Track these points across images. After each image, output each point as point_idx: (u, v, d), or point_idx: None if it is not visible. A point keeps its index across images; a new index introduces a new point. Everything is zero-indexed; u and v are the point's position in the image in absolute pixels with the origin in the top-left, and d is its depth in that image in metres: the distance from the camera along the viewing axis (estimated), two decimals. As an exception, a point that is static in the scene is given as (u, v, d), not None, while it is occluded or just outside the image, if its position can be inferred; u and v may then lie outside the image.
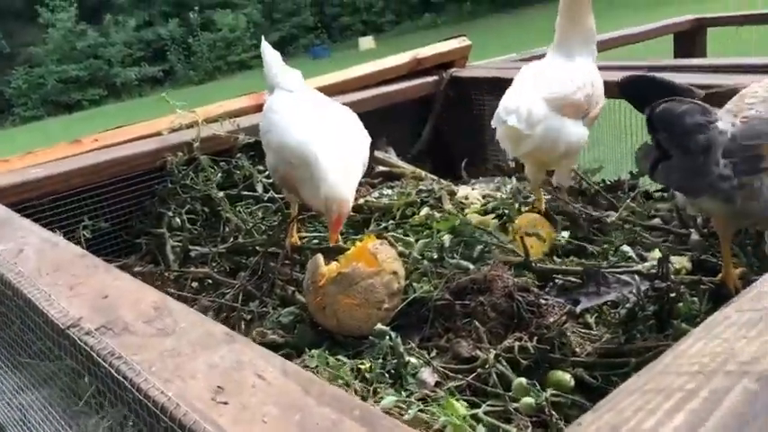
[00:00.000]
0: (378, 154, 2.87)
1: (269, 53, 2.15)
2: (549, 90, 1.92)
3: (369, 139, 1.96)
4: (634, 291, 1.58)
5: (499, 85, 2.48)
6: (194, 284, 2.03)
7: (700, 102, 1.42)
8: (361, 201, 2.30)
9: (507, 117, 1.84)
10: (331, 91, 2.92)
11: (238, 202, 2.36)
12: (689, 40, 4.22)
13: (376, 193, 2.48)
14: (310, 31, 37.86)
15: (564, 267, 1.75)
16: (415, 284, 1.68)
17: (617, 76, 2.54)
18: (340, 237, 1.98)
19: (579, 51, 2.09)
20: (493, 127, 1.96)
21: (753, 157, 1.37)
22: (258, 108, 2.47)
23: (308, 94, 2.10)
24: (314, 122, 1.87)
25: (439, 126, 3.16)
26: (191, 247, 2.17)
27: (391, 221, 2.15)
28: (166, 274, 2.07)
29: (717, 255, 1.80)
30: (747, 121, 1.40)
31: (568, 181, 2.23)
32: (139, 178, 2.37)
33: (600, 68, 2.52)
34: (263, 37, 2.33)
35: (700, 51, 4.25)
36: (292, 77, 2.11)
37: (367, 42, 32.12)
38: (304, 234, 2.20)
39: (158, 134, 2.47)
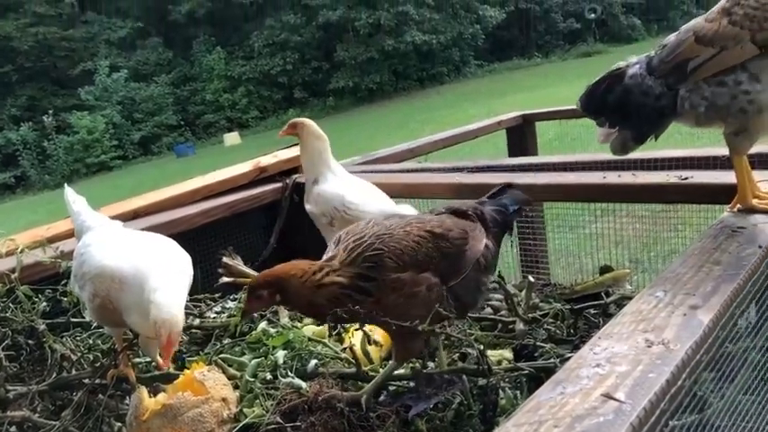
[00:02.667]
0: (225, 260, 2.85)
1: (74, 200, 2.11)
2: None
3: (188, 257, 1.94)
4: (459, 390, 1.64)
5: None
6: (12, 429, 1.87)
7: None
8: (197, 321, 2.25)
9: None
10: (172, 204, 2.90)
11: (66, 332, 2.23)
12: (519, 133, 4.59)
13: (218, 308, 2.43)
14: (174, 130, 37.53)
15: (395, 373, 1.77)
16: (246, 410, 1.64)
17: (445, 177, 2.73)
18: (171, 364, 1.91)
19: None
20: None
21: (678, 66, 1.58)
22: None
23: (119, 230, 2.08)
24: (132, 245, 1.84)
25: (285, 231, 3.18)
26: (9, 387, 2.00)
27: (228, 340, 2.11)
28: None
29: (537, 339, 1.93)
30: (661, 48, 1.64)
31: None
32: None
33: (432, 170, 2.68)
34: (65, 185, 2.26)
35: (531, 143, 4.64)
36: (101, 220, 2.08)
37: (232, 138, 32.23)
38: (137, 360, 2.10)
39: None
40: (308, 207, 2.58)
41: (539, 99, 20.61)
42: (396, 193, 2.75)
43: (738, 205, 1.70)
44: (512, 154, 4.55)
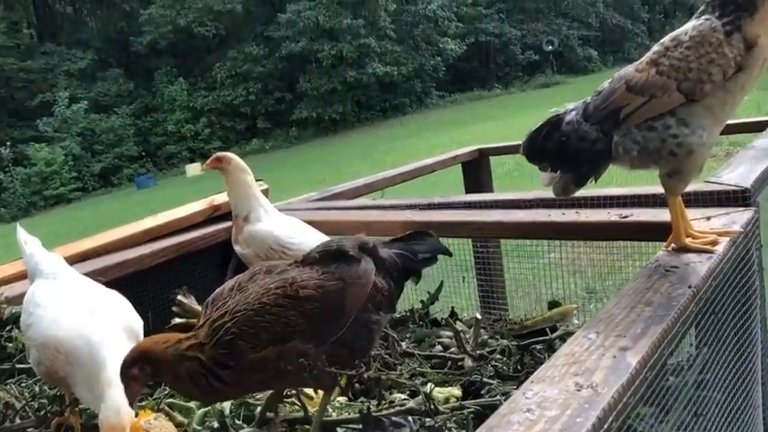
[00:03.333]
0: (179, 298, 2.82)
1: (27, 241, 2.06)
2: None
3: (141, 322, 1.91)
4: (407, 432, 1.65)
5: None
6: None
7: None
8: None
9: None
10: (124, 244, 2.87)
11: (11, 378, 2.18)
12: (475, 168, 4.67)
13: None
14: (135, 161, 37.09)
15: (345, 417, 1.79)
16: (193, 457, 1.63)
17: (397, 214, 2.76)
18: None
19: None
20: None
21: (611, 113, 1.66)
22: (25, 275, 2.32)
23: (72, 279, 2.01)
24: (83, 310, 1.78)
25: (240, 269, 3.17)
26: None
27: (178, 383, 2.09)
28: None
29: (484, 375, 1.96)
30: (596, 94, 1.71)
31: None
32: None
33: (386, 207, 2.72)
34: (17, 224, 2.21)
35: (486, 177, 4.72)
36: (55, 263, 2.02)
37: (194, 169, 31.95)
38: (84, 406, 2.06)
39: None
40: (237, 248, 2.48)
41: (499, 129, 20.97)
42: (351, 230, 2.77)
43: (673, 244, 1.77)
44: (468, 187, 4.63)
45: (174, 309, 2.76)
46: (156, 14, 38.76)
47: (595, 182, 1.82)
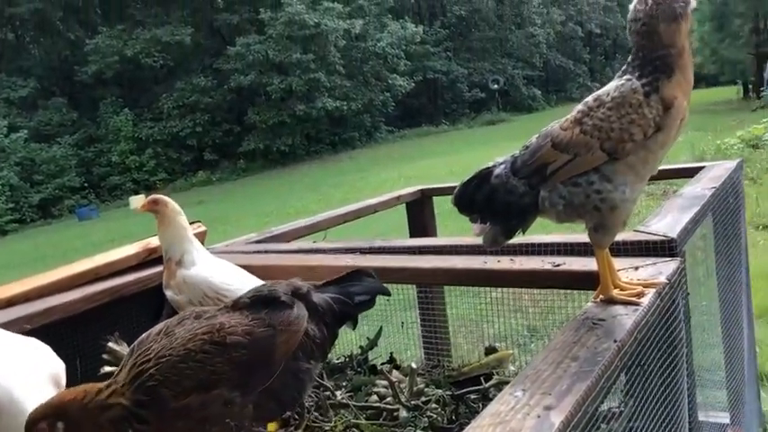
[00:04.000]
0: (111, 345, 2.73)
1: None
2: None
3: (63, 367, 1.85)
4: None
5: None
6: None
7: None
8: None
9: None
10: (54, 289, 2.77)
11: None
12: (418, 208, 4.71)
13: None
14: (76, 192, 36.13)
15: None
16: None
17: (337, 259, 2.75)
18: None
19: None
20: None
21: (538, 169, 1.68)
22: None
23: None
24: (4, 368, 1.71)
25: (175, 314, 3.10)
26: None
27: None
28: None
29: (419, 426, 1.95)
30: (524, 149, 1.74)
31: None
32: None
33: (326, 251, 2.71)
34: None
35: (429, 217, 4.76)
36: None
37: (138, 201, 31.26)
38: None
39: None
40: (169, 294, 2.42)
41: (446, 164, 21.28)
42: (290, 275, 2.74)
43: (601, 295, 1.81)
44: (412, 227, 4.66)
45: (105, 356, 2.67)
46: (103, 44, 38.21)
47: (523, 233, 1.85)
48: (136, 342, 1.59)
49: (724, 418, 3.05)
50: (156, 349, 1.49)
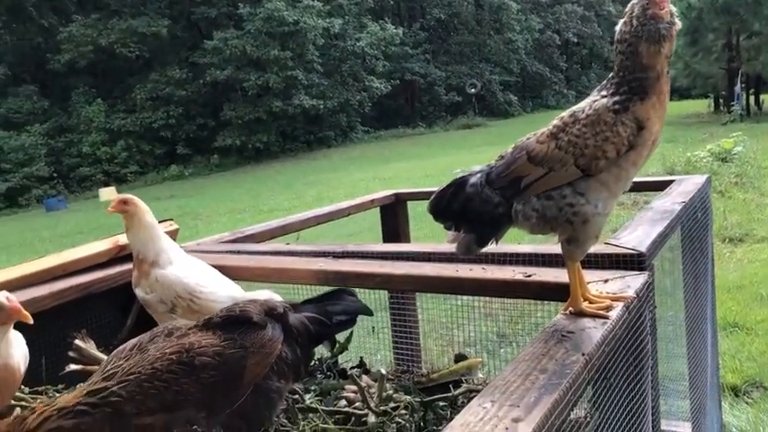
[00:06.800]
0: (77, 342, 2.69)
1: None
2: None
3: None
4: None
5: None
6: None
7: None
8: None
9: None
10: (20, 284, 2.72)
11: None
12: (392, 211, 4.72)
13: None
14: (45, 182, 35.49)
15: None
16: None
17: (309, 262, 2.75)
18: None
19: None
20: None
21: (513, 181, 1.70)
22: None
23: None
24: None
25: (144, 313, 3.07)
26: None
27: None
28: None
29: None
30: (494, 165, 1.76)
31: None
32: None
33: (299, 254, 2.70)
34: None
35: (402, 221, 4.77)
36: None
37: (108, 193, 30.80)
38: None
39: None
40: (139, 293, 2.39)
41: (422, 167, 21.37)
42: (262, 276, 2.73)
43: (570, 308, 1.83)
44: (385, 231, 4.66)
45: (71, 353, 2.63)
46: (77, 33, 37.67)
47: (496, 243, 1.87)
48: (110, 356, 1.56)
49: (686, 428, 3.11)
50: (125, 367, 1.47)
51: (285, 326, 1.67)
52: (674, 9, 1.70)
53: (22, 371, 1.86)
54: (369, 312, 1.94)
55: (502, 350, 3.32)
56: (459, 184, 1.80)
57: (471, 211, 1.77)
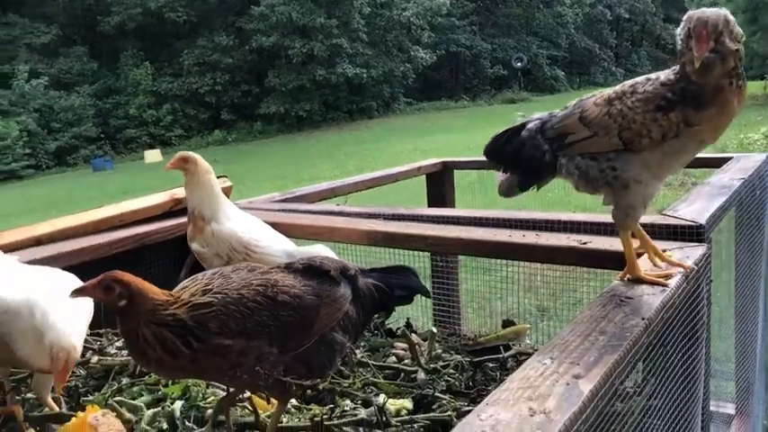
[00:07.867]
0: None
1: None
2: None
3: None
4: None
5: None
6: None
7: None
8: (95, 358, 2.18)
9: None
10: (80, 231, 2.81)
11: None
12: (438, 180, 4.71)
13: (119, 343, 2.37)
14: (92, 142, 36.26)
15: (296, 423, 1.78)
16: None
17: (360, 222, 2.77)
18: (64, 404, 1.84)
19: None
20: None
21: (561, 135, 1.70)
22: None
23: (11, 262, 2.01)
24: (24, 277, 1.80)
25: (197, 266, 3.14)
26: None
27: (127, 379, 2.06)
28: None
29: (436, 389, 1.98)
30: (555, 114, 1.76)
31: None
32: None
33: (350, 214, 2.73)
34: None
35: (449, 190, 4.77)
36: None
37: (153, 156, 31.45)
38: (30, 395, 2.01)
39: None
40: (194, 246, 2.45)
41: (463, 141, 21.15)
42: (314, 234, 2.77)
43: (628, 275, 1.82)
44: (431, 198, 4.67)
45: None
46: (127, -4, 38.06)
47: (537, 190, 1.87)
48: (203, 273, 1.62)
49: (730, 408, 3.08)
50: (214, 286, 1.53)
51: (354, 287, 1.72)
52: (730, 18, 1.57)
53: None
54: (427, 294, 1.97)
55: (542, 324, 3.31)
56: (517, 129, 1.80)
57: (522, 155, 1.78)
